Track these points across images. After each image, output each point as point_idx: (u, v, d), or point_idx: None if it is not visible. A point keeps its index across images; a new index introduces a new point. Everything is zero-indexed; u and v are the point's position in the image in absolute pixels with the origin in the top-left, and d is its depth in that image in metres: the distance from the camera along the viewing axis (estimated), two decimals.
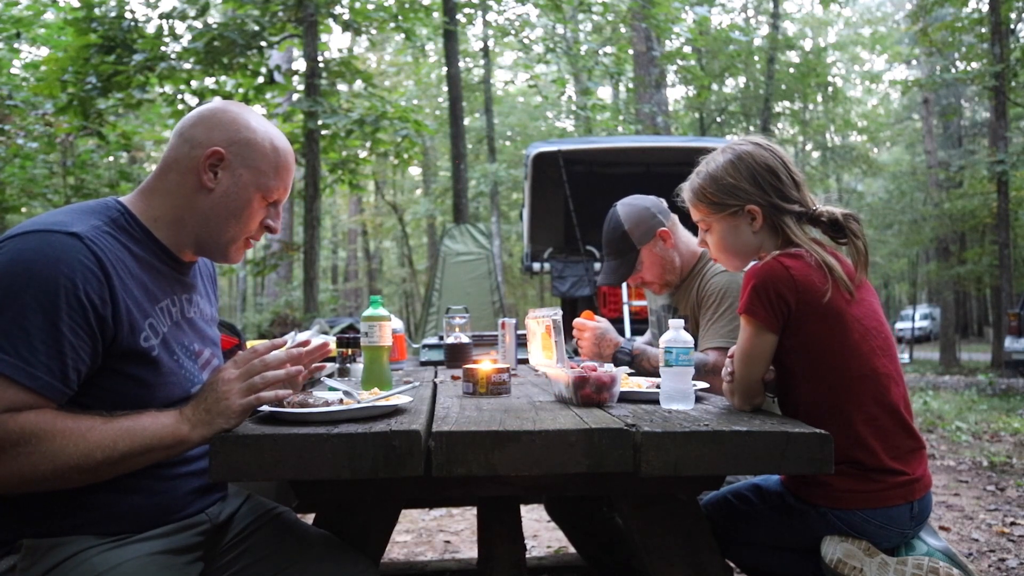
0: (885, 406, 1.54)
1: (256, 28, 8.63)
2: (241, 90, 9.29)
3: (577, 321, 2.35)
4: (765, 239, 1.68)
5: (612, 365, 1.86)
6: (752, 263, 1.70)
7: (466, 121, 16.44)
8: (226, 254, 1.49)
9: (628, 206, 2.42)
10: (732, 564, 1.73)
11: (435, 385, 1.98)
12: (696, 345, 2.18)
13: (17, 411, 1.19)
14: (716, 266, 2.24)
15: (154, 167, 1.47)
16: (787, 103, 23.07)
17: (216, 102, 1.52)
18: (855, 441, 1.51)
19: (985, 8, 13.43)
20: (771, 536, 1.66)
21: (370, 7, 9.63)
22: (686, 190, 1.79)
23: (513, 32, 14.55)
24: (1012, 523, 3.75)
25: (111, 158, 11.53)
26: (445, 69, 13.43)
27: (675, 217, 2.40)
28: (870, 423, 1.52)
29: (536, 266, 8.17)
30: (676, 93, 23.01)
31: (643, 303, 6.88)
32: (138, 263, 1.38)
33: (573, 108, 18.26)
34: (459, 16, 12.80)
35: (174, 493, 1.39)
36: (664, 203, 2.41)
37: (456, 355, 2.54)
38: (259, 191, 1.45)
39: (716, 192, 1.70)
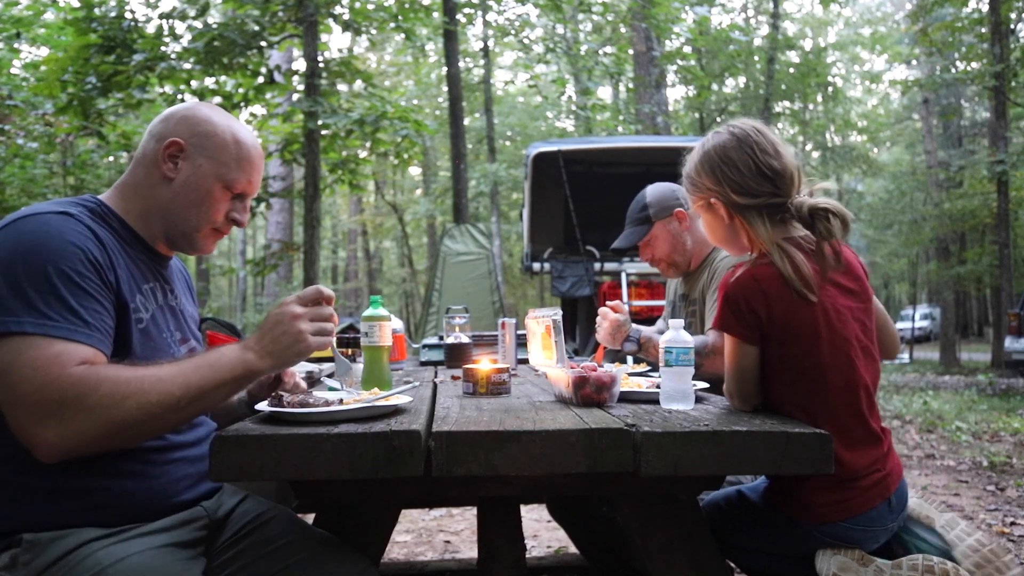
0: (857, 414, 1.52)
1: (256, 28, 8.61)
2: (241, 90, 9.28)
3: (603, 309, 2.37)
4: (741, 232, 1.62)
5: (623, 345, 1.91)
6: (747, 256, 1.67)
7: (466, 121, 16.43)
8: (192, 243, 1.53)
9: (658, 185, 2.56)
10: (732, 564, 1.74)
11: (435, 385, 1.98)
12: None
13: (91, 363, 1.24)
14: (727, 253, 2.27)
15: None
16: (787, 103, 23.03)
17: (188, 102, 1.60)
18: None
19: (985, 8, 13.42)
20: (767, 541, 1.66)
21: (370, 7, 9.61)
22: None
23: (513, 32, 14.55)
24: (1012, 523, 3.76)
25: (111, 158, 11.51)
26: (445, 69, 13.43)
27: None
28: (844, 434, 1.48)
29: (536, 266, 8.15)
30: (676, 93, 23.01)
31: (644, 303, 6.88)
32: (121, 246, 1.44)
33: (573, 108, 18.23)
34: (459, 16, 12.78)
35: (167, 478, 1.40)
36: None
37: (456, 355, 2.55)
38: (219, 181, 1.50)
39: (688, 185, 1.70)
